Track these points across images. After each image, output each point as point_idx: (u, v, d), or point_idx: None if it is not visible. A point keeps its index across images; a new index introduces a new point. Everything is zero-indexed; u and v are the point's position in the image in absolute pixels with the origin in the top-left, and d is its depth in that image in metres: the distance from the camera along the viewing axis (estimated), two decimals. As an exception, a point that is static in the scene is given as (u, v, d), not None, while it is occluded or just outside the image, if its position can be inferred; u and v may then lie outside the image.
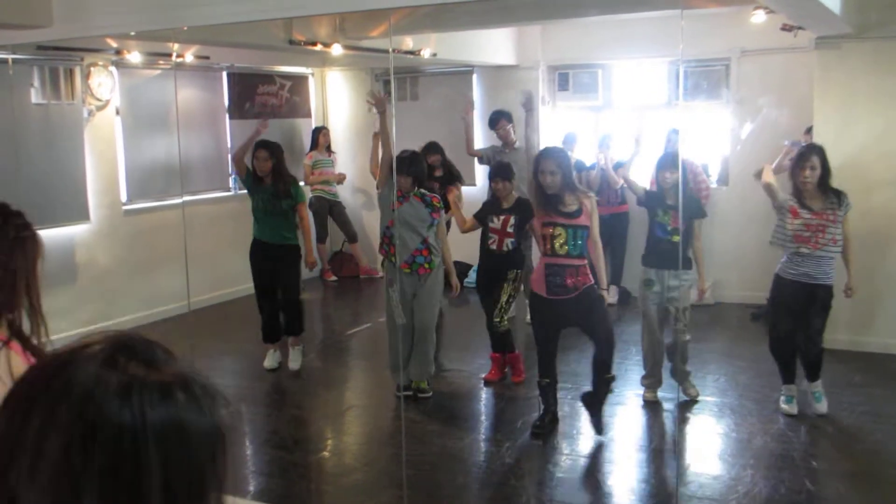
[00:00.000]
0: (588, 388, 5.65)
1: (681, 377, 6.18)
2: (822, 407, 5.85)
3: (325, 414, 6.53)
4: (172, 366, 1.02)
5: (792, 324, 5.78)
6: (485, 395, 6.66)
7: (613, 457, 5.43)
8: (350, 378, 7.33)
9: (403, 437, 5.56)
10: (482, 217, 6.53)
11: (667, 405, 6.13)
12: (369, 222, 10.72)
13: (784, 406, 5.89)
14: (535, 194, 5.47)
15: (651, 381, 6.20)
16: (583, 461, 5.34)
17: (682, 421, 5.86)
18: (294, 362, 7.19)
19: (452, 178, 7.82)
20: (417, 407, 6.20)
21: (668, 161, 6.00)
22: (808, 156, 5.61)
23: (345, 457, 5.65)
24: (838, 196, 5.61)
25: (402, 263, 6.24)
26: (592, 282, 5.41)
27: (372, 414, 6.53)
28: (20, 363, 2.21)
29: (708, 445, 5.54)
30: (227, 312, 9.23)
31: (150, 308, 8.53)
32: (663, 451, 5.46)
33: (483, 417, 6.32)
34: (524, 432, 5.68)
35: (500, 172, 6.42)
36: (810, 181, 5.54)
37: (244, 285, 9.83)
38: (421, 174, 6.32)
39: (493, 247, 6.40)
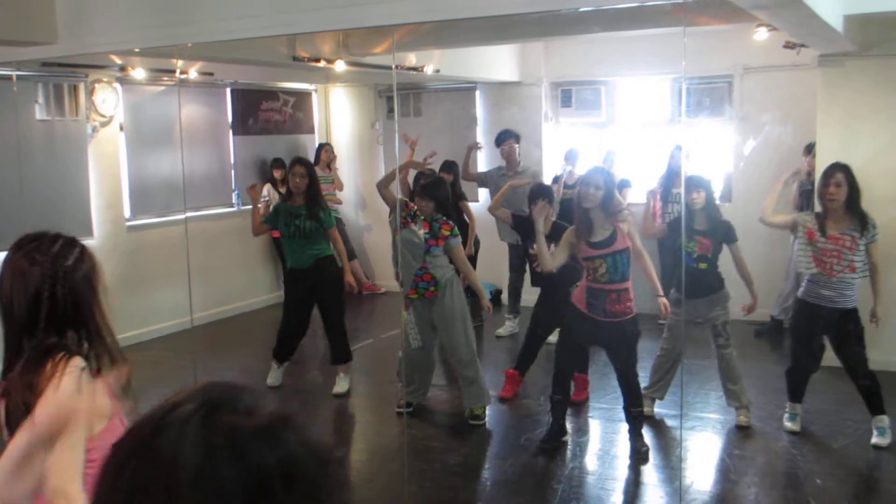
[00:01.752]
0: (592, 404, 5.63)
1: (733, 398, 5.96)
2: (884, 440, 5.48)
3: (327, 430, 6.51)
4: (263, 406, 1.00)
5: (810, 348, 5.68)
6: (488, 412, 6.63)
7: (617, 473, 5.41)
8: (353, 394, 7.30)
9: (406, 453, 5.55)
10: (520, 230, 6.57)
11: (671, 422, 6.10)
12: (370, 238, 10.73)
13: (787, 423, 5.85)
14: (575, 221, 5.49)
15: (650, 391, 6.10)
16: (586, 478, 5.32)
17: (685, 438, 5.83)
18: (340, 386, 6.94)
19: (458, 197, 8.02)
20: (421, 423, 6.18)
21: (694, 182, 5.79)
22: (833, 173, 5.45)
23: (348, 473, 5.63)
24: (863, 222, 5.43)
25: (409, 290, 6.25)
26: (634, 312, 5.43)
27: (375, 430, 6.51)
28: (106, 401, 2.16)
29: (711, 463, 5.52)
30: (229, 328, 9.22)
31: (153, 324, 8.53)
32: (667, 467, 5.44)
33: (486, 433, 6.29)
34: (527, 448, 5.66)
35: (543, 193, 6.31)
36: (837, 199, 5.38)
37: (246, 301, 9.86)
38: (444, 199, 6.32)
39: (539, 269, 6.32)
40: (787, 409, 5.90)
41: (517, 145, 8.13)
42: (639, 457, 5.49)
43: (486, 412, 6.26)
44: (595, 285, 5.35)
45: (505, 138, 8.13)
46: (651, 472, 5.39)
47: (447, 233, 6.25)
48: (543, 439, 5.68)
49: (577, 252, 5.44)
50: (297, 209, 6.74)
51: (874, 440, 5.52)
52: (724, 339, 5.86)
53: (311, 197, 6.74)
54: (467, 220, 8.22)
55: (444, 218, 6.33)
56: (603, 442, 6.02)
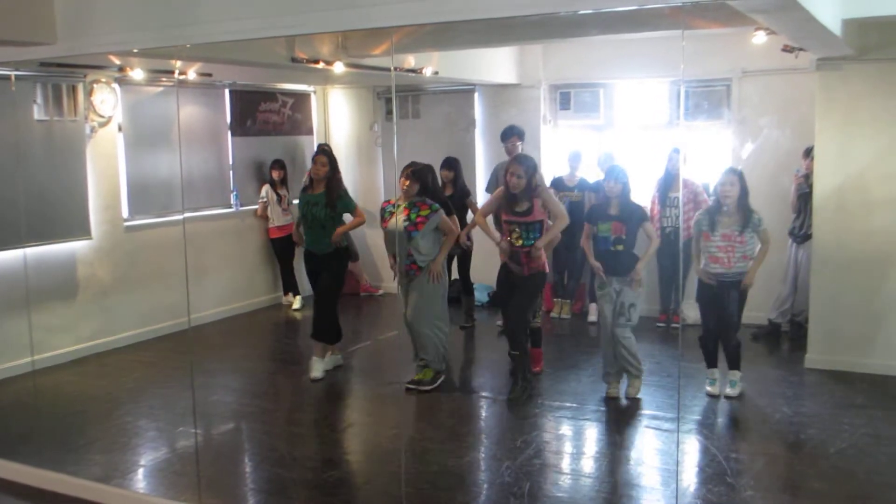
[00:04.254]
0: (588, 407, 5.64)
1: (622, 369, 6.53)
2: (734, 391, 6.48)
3: (325, 431, 6.51)
4: None
5: (713, 317, 6.47)
6: (485, 413, 6.64)
7: (614, 477, 5.41)
8: (350, 395, 7.31)
9: (403, 455, 5.55)
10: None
11: (667, 425, 6.11)
12: (371, 240, 10.72)
13: (708, 388, 6.57)
14: (503, 194, 6.47)
15: (609, 375, 6.60)
16: (583, 481, 5.32)
17: (681, 441, 5.83)
18: (315, 371, 7.13)
19: (464, 194, 8.17)
20: (418, 424, 6.19)
21: (613, 172, 6.51)
22: (729, 175, 6.30)
23: (344, 474, 5.63)
24: (749, 217, 6.24)
25: (405, 268, 6.76)
26: (545, 269, 6.57)
27: (371, 431, 6.51)
28: None
29: (709, 466, 5.52)
30: (227, 329, 9.22)
31: (151, 324, 8.53)
32: (663, 470, 5.44)
33: (483, 435, 6.29)
34: (524, 451, 5.66)
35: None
36: (731, 197, 6.22)
37: (244, 301, 9.86)
38: (425, 182, 6.78)
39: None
40: (706, 377, 6.61)
41: (520, 143, 8.23)
42: (514, 396, 6.51)
43: (431, 384, 6.78)
44: (512, 248, 6.43)
45: (509, 135, 8.24)
46: (647, 475, 5.39)
47: (426, 213, 6.69)
48: (510, 393, 6.56)
49: (500, 214, 6.55)
50: (315, 197, 7.03)
51: (727, 391, 6.48)
52: (625, 319, 6.41)
53: (329, 186, 7.01)
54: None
55: (422, 199, 6.74)
56: (599, 445, 6.03)
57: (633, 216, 6.42)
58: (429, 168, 7.01)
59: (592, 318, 8.64)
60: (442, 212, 6.76)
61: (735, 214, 6.25)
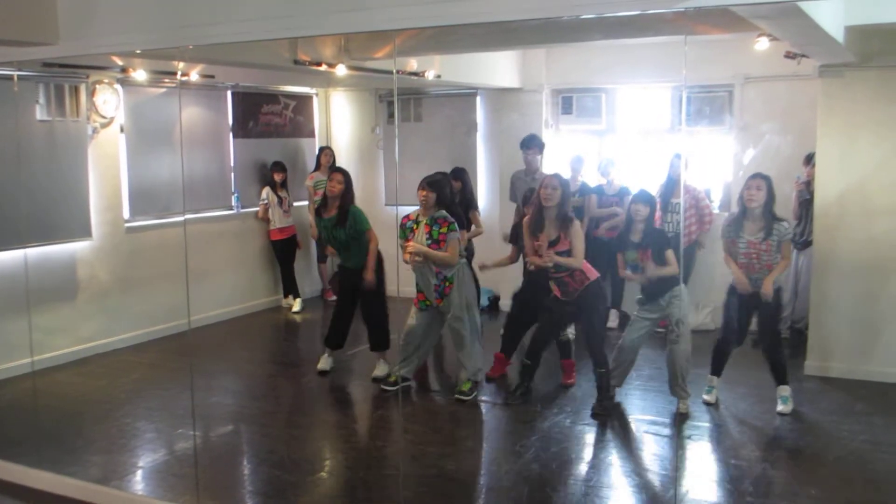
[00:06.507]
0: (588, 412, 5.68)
1: (676, 391, 6.37)
2: (787, 408, 6.28)
3: (324, 434, 6.50)
4: None
5: (735, 328, 6.39)
6: (485, 418, 6.63)
7: (613, 482, 5.40)
8: (349, 398, 7.30)
9: (401, 458, 5.54)
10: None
11: (666, 430, 6.10)
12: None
13: (705, 396, 6.54)
14: (532, 220, 6.50)
15: (614, 381, 6.56)
16: (582, 487, 5.31)
17: (681, 447, 5.83)
18: (379, 370, 7.32)
19: (469, 206, 8.15)
20: (417, 428, 6.18)
21: (642, 196, 6.43)
22: (756, 179, 6.22)
23: (342, 478, 5.62)
24: (774, 224, 6.13)
25: (436, 299, 6.74)
26: (594, 277, 6.40)
27: (370, 435, 6.50)
28: None
29: (707, 472, 5.52)
30: (227, 331, 9.21)
31: (151, 325, 8.53)
32: (662, 476, 5.43)
33: (482, 440, 6.29)
34: (523, 455, 5.66)
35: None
36: (756, 203, 6.11)
37: (245, 304, 9.86)
38: (443, 194, 6.73)
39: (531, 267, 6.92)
40: (706, 384, 6.57)
41: (539, 155, 8.30)
42: (600, 411, 6.32)
43: (474, 394, 6.78)
44: (553, 275, 6.42)
45: (530, 145, 8.33)
46: (646, 480, 5.39)
47: (445, 230, 6.62)
48: (511, 394, 6.71)
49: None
50: (329, 221, 7.13)
51: (779, 408, 6.28)
52: (675, 336, 6.29)
53: (341, 207, 7.08)
54: (475, 229, 8.23)
55: (444, 215, 6.67)
56: (598, 450, 6.02)
57: (655, 241, 6.30)
58: (445, 178, 7.01)
59: (612, 323, 8.54)
60: (458, 233, 6.70)
61: (760, 220, 6.14)
